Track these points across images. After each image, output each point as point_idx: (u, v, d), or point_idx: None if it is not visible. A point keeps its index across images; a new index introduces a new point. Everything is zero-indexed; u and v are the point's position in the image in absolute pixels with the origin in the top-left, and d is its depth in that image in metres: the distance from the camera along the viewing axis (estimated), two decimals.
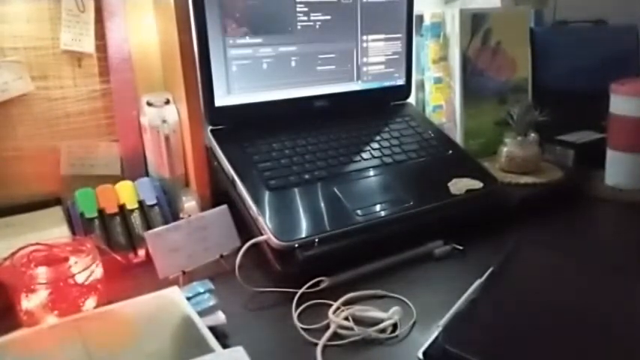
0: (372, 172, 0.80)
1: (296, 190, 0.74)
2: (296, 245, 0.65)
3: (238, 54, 0.79)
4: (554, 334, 0.52)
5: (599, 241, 0.78)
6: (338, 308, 0.59)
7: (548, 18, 1.19)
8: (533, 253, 0.69)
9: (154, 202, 0.76)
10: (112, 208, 0.74)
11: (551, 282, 0.62)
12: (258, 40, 0.81)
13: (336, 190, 0.74)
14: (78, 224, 0.72)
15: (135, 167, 0.84)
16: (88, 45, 0.79)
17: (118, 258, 0.69)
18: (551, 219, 0.81)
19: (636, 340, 0.52)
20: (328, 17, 0.85)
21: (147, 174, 0.84)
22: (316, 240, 0.66)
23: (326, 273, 0.65)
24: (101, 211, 0.73)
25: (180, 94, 0.78)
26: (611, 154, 0.89)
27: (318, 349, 0.53)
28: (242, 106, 0.81)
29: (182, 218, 0.71)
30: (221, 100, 0.80)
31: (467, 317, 0.55)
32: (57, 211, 0.77)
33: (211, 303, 0.57)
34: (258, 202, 0.70)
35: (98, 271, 0.62)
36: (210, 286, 0.59)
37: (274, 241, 0.65)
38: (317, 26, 0.85)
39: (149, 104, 0.81)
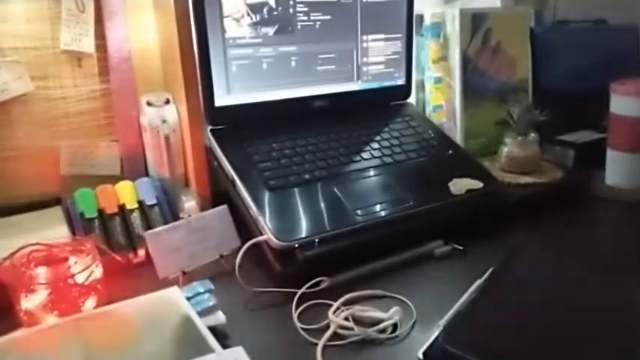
0: (372, 172, 0.80)
1: (296, 190, 0.74)
2: (296, 245, 0.65)
3: (238, 54, 0.79)
4: (554, 333, 0.52)
5: (600, 241, 0.78)
6: (338, 308, 0.59)
7: (548, 18, 1.19)
8: (533, 253, 0.69)
9: (154, 202, 0.76)
10: (111, 208, 0.74)
11: (551, 282, 0.62)
12: (258, 40, 0.81)
13: (336, 190, 0.74)
14: (78, 224, 0.72)
15: (135, 167, 0.84)
16: (88, 45, 0.79)
17: (118, 258, 0.69)
18: (551, 219, 0.81)
19: (637, 339, 0.52)
20: (328, 17, 0.85)
21: (147, 174, 0.83)
22: (316, 240, 0.66)
23: (326, 273, 0.65)
24: (101, 211, 0.73)
25: (180, 94, 0.78)
26: (611, 154, 0.89)
27: (318, 349, 0.53)
28: (242, 106, 0.81)
29: (182, 218, 0.71)
30: (221, 100, 0.80)
31: (467, 317, 0.55)
32: (57, 211, 0.77)
33: (211, 303, 0.57)
34: (258, 202, 0.70)
35: (98, 271, 0.62)
36: (210, 286, 0.59)
37: (274, 241, 0.65)
38: (317, 26, 0.85)
39: (149, 104, 0.81)
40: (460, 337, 0.51)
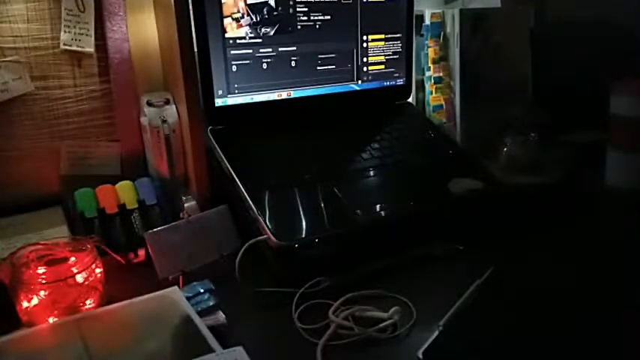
0: (371, 172, 0.80)
1: (296, 189, 0.73)
2: (296, 245, 0.65)
3: (238, 54, 0.79)
4: (554, 334, 0.52)
5: (599, 241, 0.77)
6: (338, 308, 0.59)
7: (548, 18, 1.19)
8: (533, 253, 0.69)
9: (154, 202, 0.76)
10: (112, 208, 0.73)
11: (551, 282, 0.62)
12: (258, 40, 0.81)
13: (335, 190, 0.74)
14: (78, 224, 0.72)
15: (135, 167, 0.84)
16: (88, 45, 0.79)
17: (118, 258, 0.69)
18: (551, 219, 0.81)
19: (637, 341, 0.52)
20: (328, 17, 0.85)
21: (147, 174, 0.83)
22: (316, 240, 0.66)
23: (326, 273, 0.65)
24: (101, 211, 0.73)
25: (180, 94, 0.78)
26: (611, 154, 0.89)
27: (318, 349, 0.53)
28: (242, 106, 0.81)
29: (182, 218, 0.71)
30: (221, 100, 0.80)
31: (467, 317, 0.55)
32: (57, 211, 0.77)
33: (211, 303, 0.57)
34: (258, 202, 0.70)
35: (98, 271, 0.62)
36: (210, 286, 0.59)
37: (274, 241, 0.65)
38: (317, 26, 0.85)
39: (149, 104, 0.81)
40: (460, 337, 0.52)
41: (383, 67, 0.93)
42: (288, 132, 0.83)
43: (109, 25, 0.80)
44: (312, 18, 0.84)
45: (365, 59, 0.91)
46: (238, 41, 0.79)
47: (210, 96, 0.78)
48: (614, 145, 0.89)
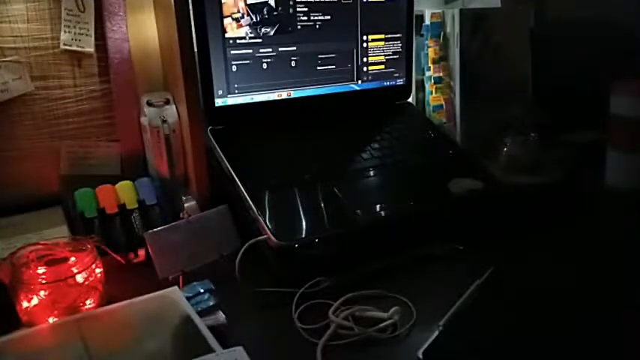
0: (371, 172, 0.80)
1: (296, 189, 0.73)
2: (296, 245, 0.65)
3: (238, 54, 0.79)
4: (554, 334, 0.52)
5: (599, 241, 0.77)
6: (338, 308, 0.59)
7: (548, 18, 1.19)
8: (533, 253, 0.69)
9: (154, 202, 0.76)
10: (112, 208, 0.73)
11: (551, 282, 0.62)
12: (258, 40, 0.81)
13: (335, 189, 0.74)
14: (78, 224, 0.72)
15: (135, 167, 0.84)
16: (88, 45, 0.79)
17: (118, 258, 0.69)
18: (551, 219, 0.81)
19: (637, 341, 0.52)
20: (328, 17, 0.85)
21: (147, 174, 0.83)
22: (316, 240, 0.66)
23: (326, 273, 0.65)
24: (101, 211, 0.73)
25: (180, 94, 0.78)
26: (611, 154, 0.89)
27: (318, 349, 0.53)
28: (242, 106, 0.81)
29: (182, 218, 0.71)
30: (221, 100, 0.80)
31: (467, 317, 0.55)
32: (57, 211, 0.77)
33: (211, 303, 0.57)
34: (258, 202, 0.70)
35: (98, 271, 0.62)
36: (210, 286, 0.59)
37: (274, 241, 0.65)
38: (317, 26, 0.85)
39: (149, 104, 0.81)
40: (460, 337, 0.51)
41: (383, 67, 0.93)
42: (288, 132, 0.83)
43: (109, 25, 0.80)
44: (312, 18, 0.84)
45: (365, 59, 0.91)
46: (238, 41, 0.79)
47: (210, 96, 0.78)
48: (614, 145, 0.89)
